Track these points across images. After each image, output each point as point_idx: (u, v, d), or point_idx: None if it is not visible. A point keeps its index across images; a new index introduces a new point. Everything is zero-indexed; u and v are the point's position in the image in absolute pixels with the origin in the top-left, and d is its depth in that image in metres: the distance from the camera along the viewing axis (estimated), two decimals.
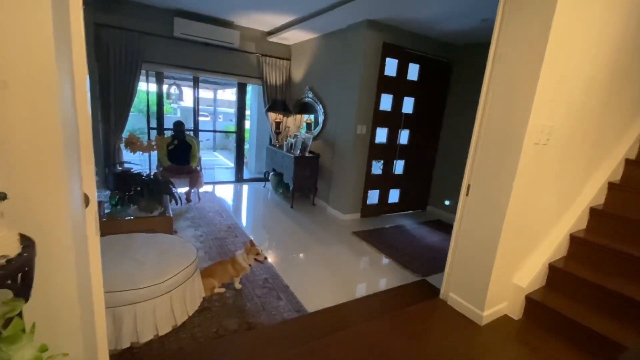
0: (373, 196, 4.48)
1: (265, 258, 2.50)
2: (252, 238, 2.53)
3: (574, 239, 2.44)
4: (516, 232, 2.15)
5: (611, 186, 2.56)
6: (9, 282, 0.71)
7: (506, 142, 2.00)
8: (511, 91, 1.97)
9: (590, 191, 2.51)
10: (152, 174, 3.32)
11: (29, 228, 0.84)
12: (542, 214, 2.30)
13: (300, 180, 4.51)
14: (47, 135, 0.85)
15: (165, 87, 5.70)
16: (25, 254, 0.75)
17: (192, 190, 4.46)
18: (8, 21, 0.76)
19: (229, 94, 11.96)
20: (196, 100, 5.27)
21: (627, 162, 2.62)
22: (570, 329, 2.04)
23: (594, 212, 2.51)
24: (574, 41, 1.92)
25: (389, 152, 4.41)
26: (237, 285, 2.42)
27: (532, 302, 2.24)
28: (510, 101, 1.98)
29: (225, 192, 5.26)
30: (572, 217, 2.46)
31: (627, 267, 2.17)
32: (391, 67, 4.03)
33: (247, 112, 6.13)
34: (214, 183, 5.71)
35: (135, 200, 2.94)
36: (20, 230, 0.80)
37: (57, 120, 0.85)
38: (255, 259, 2.45)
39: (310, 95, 4.83)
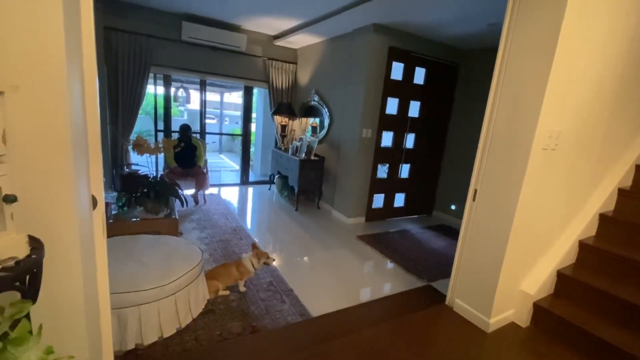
0: (378, 200, 4.46)
1: (274, 260, 2.55)
2: (256, 240, 2.53)
3: (583, 246, 2.40)
4: (524, 238, 2.12)
5: (621, 192, 2.52)
6: (17, 283, 0.71)
7: (514, 147, 1.99)
8: (519, 96, 1.96)
9: (600, 197, 2.48)
10: (159, 176, 3.34)
11: (38, 230, 0.84)
12: (550, 220, 2.27)
13: (305, 184, 4.51)
14: (57, 137, 0.85)
15: (172, 90, 5.76)
16: (33, 256, 0.76)
17: (199, 192, 4.49)
18: (20, 25, 0.77)
19: (236, 97, 12.04)
20: (203, 103, 5.32)
21: (638, 167, 2.58)
22: (579, 337, 2.00)
23: (603, 218, 2.47)
24: (582, 45, 1.90)
25: (394, 156, 4.40)
26: (242, 288, 2.42)
27: (539, 310, 2.21)
28: (518, 106, 1.96)
29: (231, 195, 5.28)
30: (581, 224, 2.42)
31: (638, 275, 2.12)
32: (397, 70, 4.03)
33: (253, 115, 6.17)
34: (220, 185, 5.74)
35: (142, 202, 2.97)
36: (29, 232, 0.81)
37: (67, 123, 0.86)
38: (265, 263, 2.48)
39: (316, 98, 4.84)
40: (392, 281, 2.89)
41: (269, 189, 5.67)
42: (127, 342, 1.71)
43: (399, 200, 4.67)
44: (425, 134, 4.54)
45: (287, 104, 5.13)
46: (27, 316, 0.73)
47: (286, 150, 5.01)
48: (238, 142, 7.57)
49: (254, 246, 2.51)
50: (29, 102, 0.81)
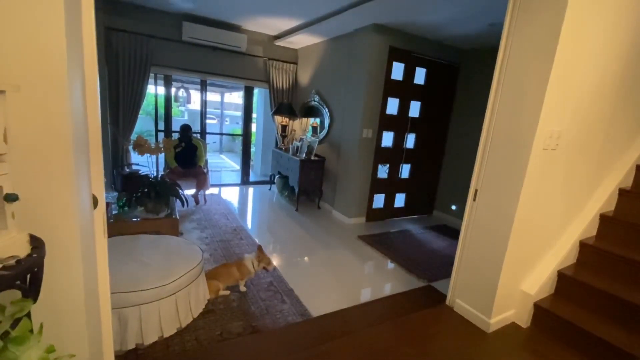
0: (378, 200, 4.46)
1: (273, 267, 2.55)
2: (260, 243, 2.53)
3: (583, 246, 2.40)
4: (524, 238, 2.12)
5: (622, 192, 2.52)
6: (18, 282, 0.72)
7: (514, 147, 1.98)
8: (520, 96, 1.96)
9: (600, 197, 2.47)
10: (159, 176, 3.34)
11: (38, 229, 0.84)
12: (551, 220, 2.27)
13: (305, 184, 4.51)
14: (58, 137, 0.86)
15: (173, 90, 5.77)
16: (34, 255, 0.76)
17: (199, 192, 4.49)
18: (21, 25, 0.78)
19: (236, 97, 12.05)
20: (203, 103, 5.32)
21: (638, 168, 2.57)
22: (580, 338, 2.00)
23: (604, 218, 2.46)
24: (583, 46, 1.90)
25: (395, 156, 4.40)
26: (242, 288, 2.43)
27: (540, 310, 2.21)
28: (519, 106, 1.96)
29: (231, 195, 5.28)
30: (581, 224, 2.42)
31: (639, 275, 2.12)
32: (398, 71, 4.03)
33: (254, 115, 6.17)
34: (220, 185, 5.74)
35: (142, 202, 2.97)
36: (30, 231, 0.81)
37: (68, 122, 0.86)
38: (264, 267, 2.48)
39: (317, 98, 4.84)
40: (393, 281, 2.89)
41: (270, 189, 5.67)
42: (127, 342, 1.71)
43: (400, 200, 4.67)
44: (425, 134, 4.54)
45: (287, 104, 5.13)
46: (28, 315, 0.73)
47: (286, 150, 5.01)
48: (238, 142, 7.57)
49: (260, 249, 2.50)
50: (30, 102, 0.81)
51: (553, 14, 1.78)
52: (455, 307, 2.39)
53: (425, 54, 4.12)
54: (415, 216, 4.83)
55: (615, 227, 2.42)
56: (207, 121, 5.72)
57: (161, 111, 4.96)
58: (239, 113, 9.76)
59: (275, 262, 3.05)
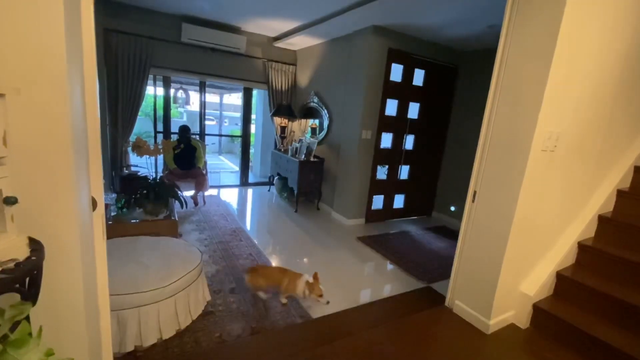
0: (378, 201, 4.46)
1: (327, 302, 2.24)
2: (316, 271, 2.32)
3: (582, 247, 2.40)
4: (523, 240, 2.13)
5: (620, 194, 2.53)
6: (17, 285, 0.71)
7: (513, 148, 1.99)
8: (518, 97, 1.96)
9: (599, 198, 2.48)
10: (158, 177, 3.34)
11: (38, 231, 0.84)
12: (549, 222, 2.28)
13: (304, 185, 4.51)
14: (57, 140, 0.86)
15: (172, 92, 5.77)
16: (33, 258, 0.76)
17: (198, 194, 4.49)
18: (21, 28, 0.78)
19: (235, 99, 12.05)
20: (202, 104, 5.33)
21: (637, 169, 2.58)
22: (579, 339, 2.00)
23: (602, 219, 2.47)
24: (581, 47, 1.91)
25: (394, 157, 4.40)
26: (283, 300, 2.35)
27: (539, 311, 2.21)
28: (517, 107, 1.97)
29: (230, 196, 5.28)
30: (580, 225, 2.42)
31: (637, 276, 2.13)
32: (397, 72, 4.04)
33: (253, 117, 6.18)
34: (219, 187, 5.74)
35: (141, 203, 2.96)
36: (29, 234, 0.81)
37: (67, 125, 0.86)
38: (315, 297, 2.25)
39: (316, 100, 4.85)
40: (392, 282, 2.89)
41: (269, 191, 5.67)
42: (126, 344, 1.71)
43: (399, 201, 4.67)
44: (424, 136, 4.54)
45: (286, 105, 5.13)
46: (27, 318, 0.73)
47: (286, 151, 5.02)
48: (237, 144, 7.58)
49: (315, 276, 2.30)
50: (30, 104, 0.81)
51: (551, 14, 1.79)
52: (455, 309, 2.39)
53: (424, 56, 4.13)
54: (415, 217, 4.84)
55: (613, 228, 2.42)
56: (206, 122, 5.72)
57: (160, 112, 4.96)
58: (238, 114, 9.76)
59: (274, 263, 3.05)
